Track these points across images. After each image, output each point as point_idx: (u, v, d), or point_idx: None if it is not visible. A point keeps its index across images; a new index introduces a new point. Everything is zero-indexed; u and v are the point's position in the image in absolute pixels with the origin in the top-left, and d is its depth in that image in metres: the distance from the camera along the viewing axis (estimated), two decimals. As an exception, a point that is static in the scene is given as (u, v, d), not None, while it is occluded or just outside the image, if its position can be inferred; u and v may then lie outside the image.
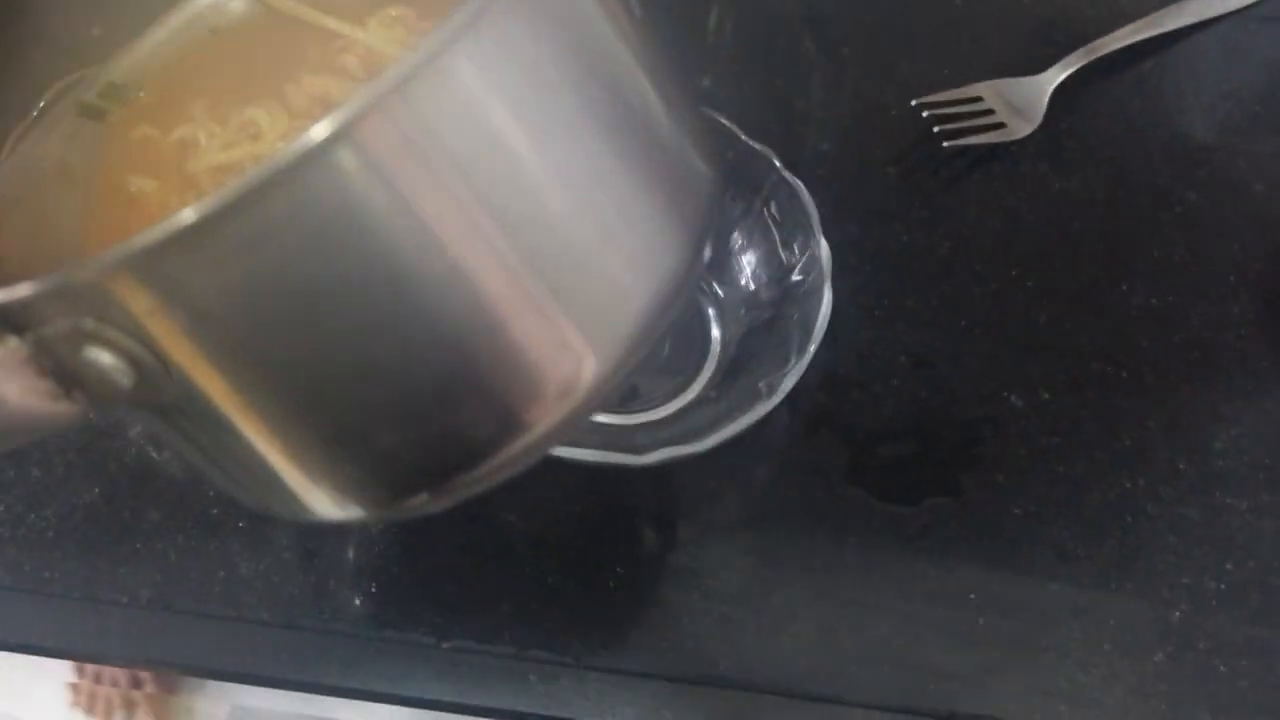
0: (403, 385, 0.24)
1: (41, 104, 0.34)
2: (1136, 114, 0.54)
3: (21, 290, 0.21)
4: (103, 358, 0.22)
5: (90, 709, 0.56)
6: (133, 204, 0.32)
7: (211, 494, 0.43)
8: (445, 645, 0.40)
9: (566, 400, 0.24)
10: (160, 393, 0.23)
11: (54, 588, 0.41)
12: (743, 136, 0.43)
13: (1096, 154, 0.53)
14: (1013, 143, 0.52)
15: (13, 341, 0.22)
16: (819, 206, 0.43)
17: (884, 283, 0.48)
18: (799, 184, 0.42)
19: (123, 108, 0.34)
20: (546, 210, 0.23)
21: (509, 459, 0.25)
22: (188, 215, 0.19)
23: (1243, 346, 0.48)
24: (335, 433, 0.25)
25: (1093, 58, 0.54)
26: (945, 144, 0.51)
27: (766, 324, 0.43)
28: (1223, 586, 0.42)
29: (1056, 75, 0.54)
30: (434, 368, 0.24)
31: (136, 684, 0.59)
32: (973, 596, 0.42)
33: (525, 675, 0.40)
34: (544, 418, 0.24)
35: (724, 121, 0.44)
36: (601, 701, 0.39)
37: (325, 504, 0.26)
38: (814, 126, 0.53)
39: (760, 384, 0.40)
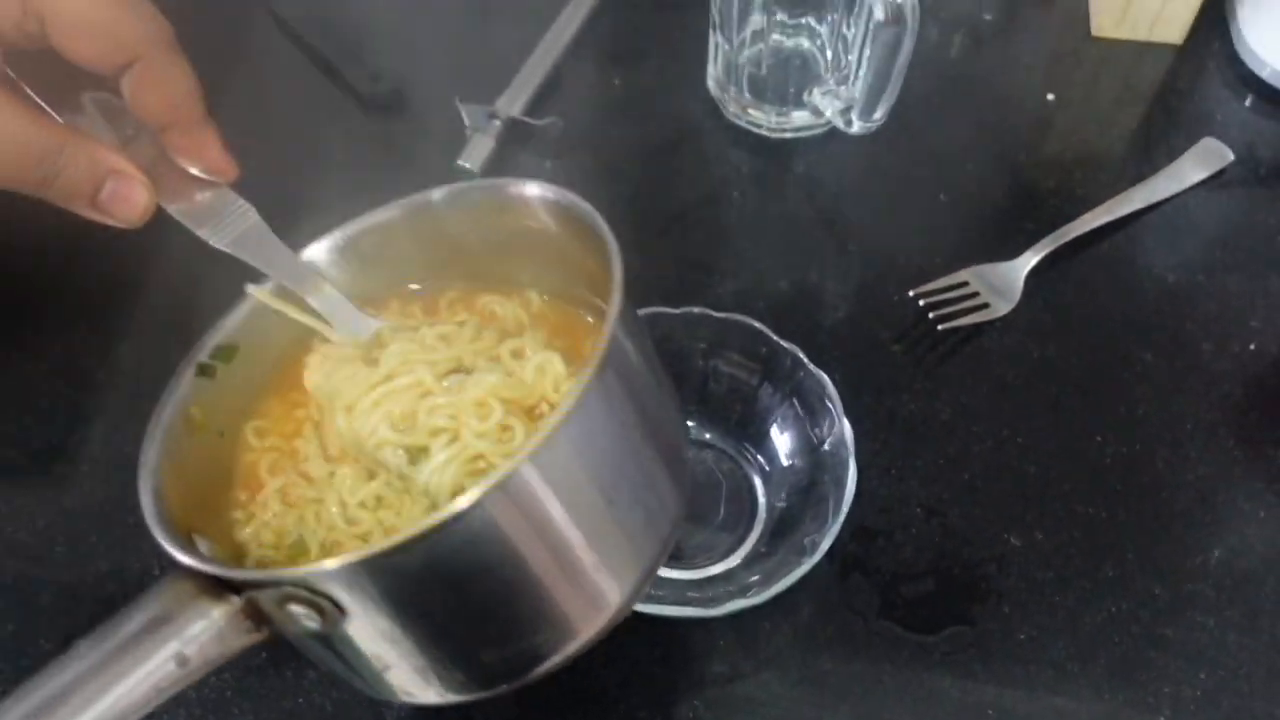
0: (504, 624, 0.36)
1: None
2: (1099, 288, 0.64)
3: (252, 575, 0.33)
4: (298, 610, 0.32)
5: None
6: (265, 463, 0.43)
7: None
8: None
9: (602, 617, 0.37)
10: (333, 629, 0.33)
11: (232, 739, 0.51)
12: (774, 336, 0.54)
13: (1066, 325, 0.62)
14: (996, 319, 0.62)
15: (235, 600, 0.33)
16: (839, 385, 0.53)
17: (896, 446, 0.58)
18: (822, 374, 0.52)
19: (227, 365, 0.43)
20: (605, 514, 0.36)
21: (566, 658, 0.37)
22: (378, 546, 0.30)
23: (1201, 485, 0.57)
24: (451, 655, 0.36)
25: (1059, 243, 0.64)
26: (940, 327, 0.61)
27: (804, 489, 0.53)
28: (1199, 693, 0.50)
29: (1029, 260, 0.64)
30: (526, 612, 0.36)
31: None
32: (991, 712, 0.50)
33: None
34: (590, 630, 0.37)
35: (757, 325, 0.54)
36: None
37: (432, 694, 0.37)
38: (829, 315, 0.63)
39: (805, 540, 0.49)
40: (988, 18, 0.78)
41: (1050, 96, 0.73)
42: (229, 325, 0.43)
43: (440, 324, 0.43)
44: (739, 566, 0.53)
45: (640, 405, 0.38)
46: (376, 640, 0.34)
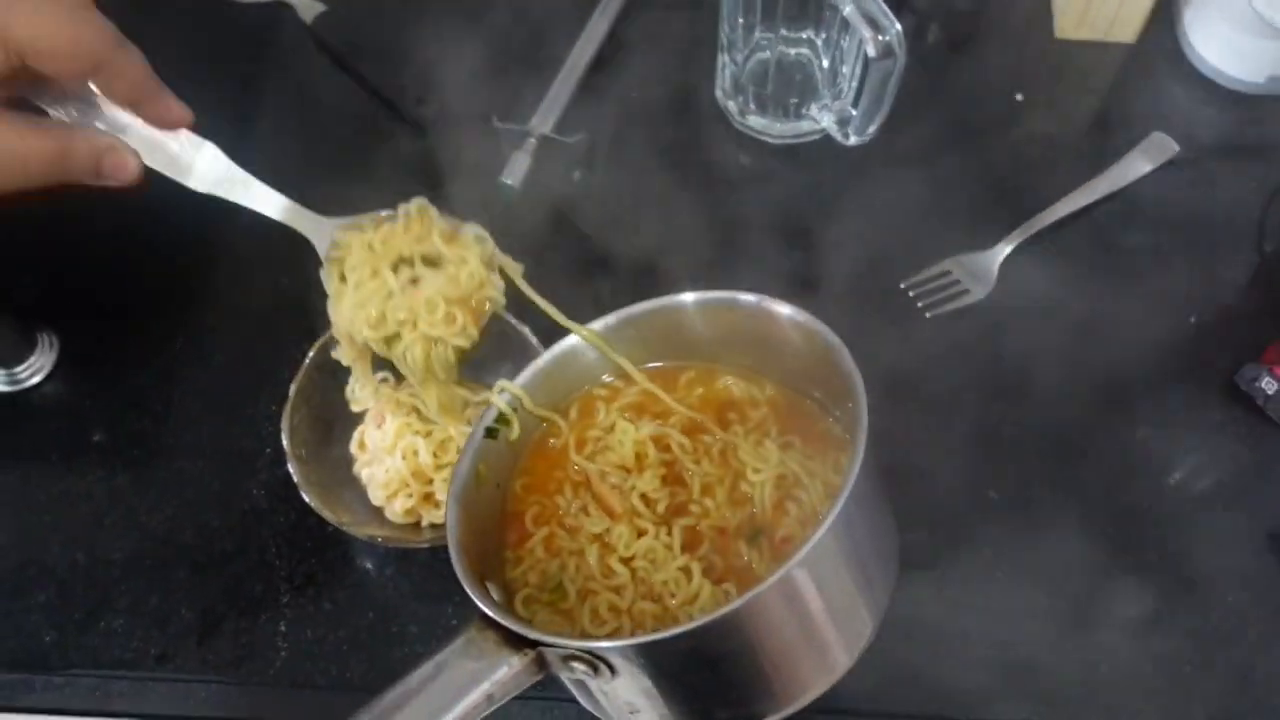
0: (748, 690, 0.44)
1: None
2: (1063, 271, 0.74)
3: (549, 638, 0.41)
4: (578, 665, 0.42)
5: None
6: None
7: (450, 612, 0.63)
8: None
9: (830, 677, 0.45)
10: (602, 683, 0.43)
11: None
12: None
13: (1036, 306, 0.72)
14: (975, 304, 0.72)
15: (530, 652, 0.42)
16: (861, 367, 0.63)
17: (892, 417, 0.67)
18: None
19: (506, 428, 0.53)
20: (847, 598, 0.45)
21: (794, 708, 0.45)
22: (656, 635, 0.40)
23: (1147, 443, 0.67)
24: (694, 712, 0.45)
25: (1029, 233, 0.74)
26: (928, 314, 0.71)
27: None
28: (1143, 620, 0.62)
29: (1003, 249, 0.74)
30: (769, 682, 0.44)
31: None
32: (971, 638, 0.61)
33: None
34: (819, 690, 0.45)
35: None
36: None
37: None
38: (829, 303, 0.72)
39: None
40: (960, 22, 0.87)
41: (1019, 97, 0.82)
42: (516, 387, 0.54)
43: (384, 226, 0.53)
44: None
45: (873, 500, 0.46)
46: (634, 694, 0.44)
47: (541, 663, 0.43)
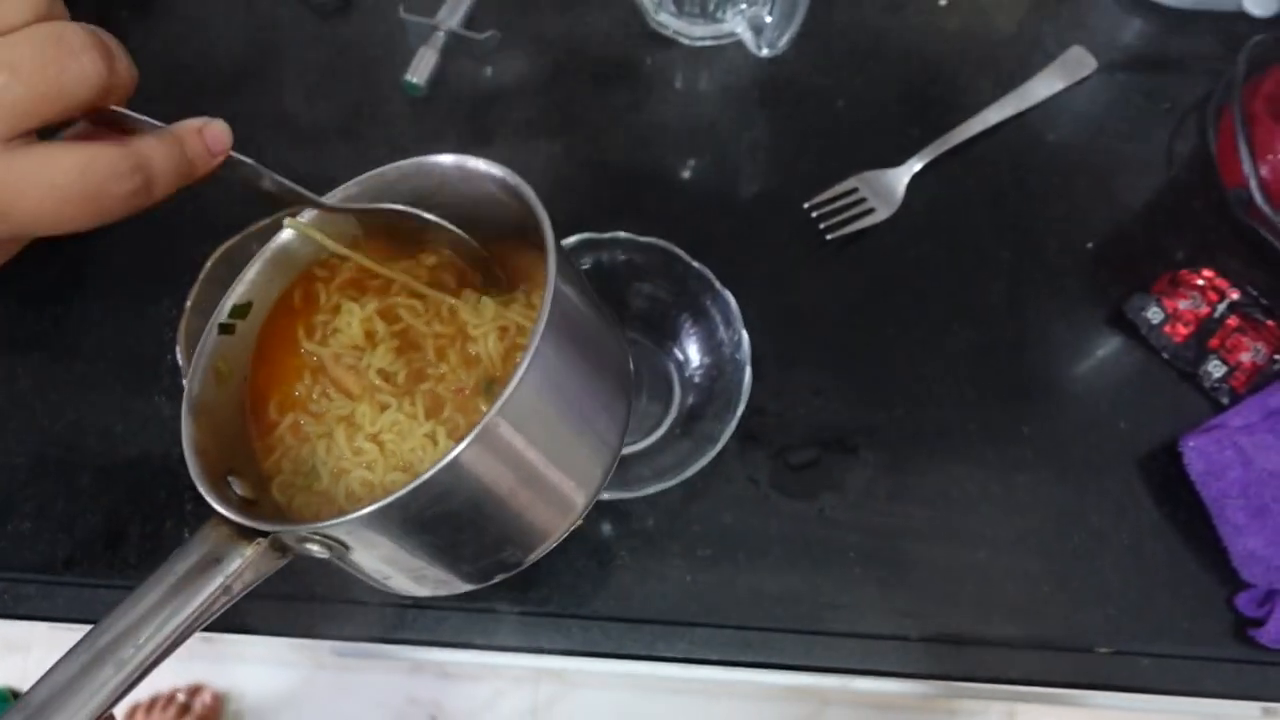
0: (486, 542, 0.46)
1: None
2: (969, 191, 0.74)
3: (271, 527, 0.43)
4: (312, 546, 0.44)
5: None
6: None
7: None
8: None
9: (569, 518, 0.48)
10: (341, 557, 0.45)
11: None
12: (687, 258, 0.64)
13: (938, 227, 0.73)
14: (879, 224, 0.73)
15: (263, 540, 0.44)
16: (740, 287, 0.63)
17: (790, 338, 0.69)
18: (728, 294, 0.63)
19: (243, 320, 0.53)
20: (568, 440, 0.46)
21: (536, 558, 0.48)
22: (368, 507, 0.40)
23: (1034, 367, 0.70)
24: (441, 569, 0.47)
25: (939, 151, 0.74)
26: (828, 237, 0.71)
27: (710, 384, 0.65)
28: (1013, 536, 0.65)
29: (912, 166, 0.74)
30: (504, 531, 0.46)
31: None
32: (852, 555, 0.64)
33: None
34: (557, 533, 0.48)
35: (673, 249, 0.64)
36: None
37: (425, 592, 0.49)
38: (736, 224, 0.73)
39: (711, 430, 0.62)
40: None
41: (942, 2, 0.81)
42: (245, 283, 0.53)
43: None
44: (657, 443, 0.65)
45: (585, 338, 0.47)
46: (376, 562, 0.46)
47: (280, 547, 0.44)
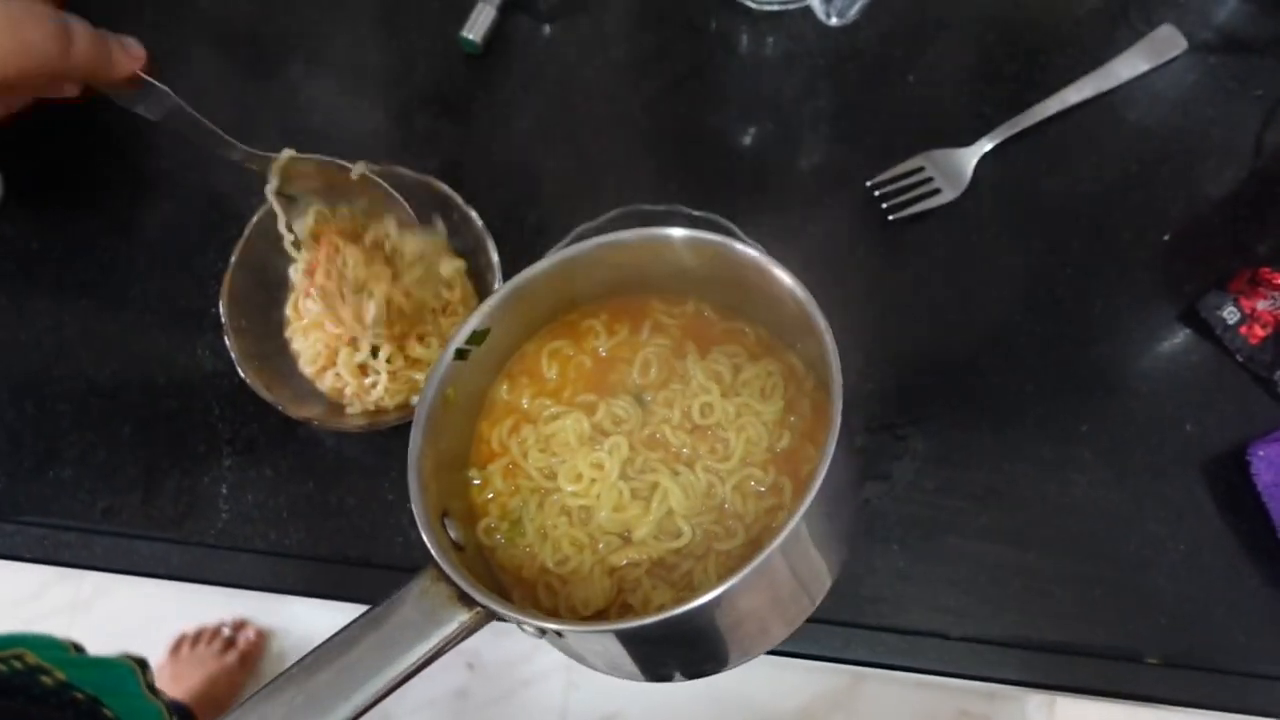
0: (689, 658, 0.46)
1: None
2: (1040, 176, 0.71)
3: (496, 609, 0.42)
4: (528, 629, 0.42)
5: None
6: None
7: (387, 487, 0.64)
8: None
9: (793, 627, 0.48)
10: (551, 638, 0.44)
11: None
12: (743, 237, 0.62)
13: (1006, 213, 0.70)
14: (943, 205, 0.69)
15: (481, 611, 0.42)
16: (798, 268, 0.61)
17: (845, 322, 0.66)
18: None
19: (479, 347, 0.50)
20: (816, 558, 0.45)
21: (761, 653, 0.48)
22: (632, 624, 0.39)
23: (1099, 362, 0.67)
24: (640, 672, 0.46)
25: (1011, 132, 0.70)
26: (890, 216, 0.69)
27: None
28: (1066, 538, 0.63)
29: (982, 146, 0.70)
30: (709, 652, 0.46)
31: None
32: (895, 547, 0.63)
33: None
34: (753, 656, 0.48)
35: (727, 223, 0.62)
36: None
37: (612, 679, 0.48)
38: (796, 200, 0.71)
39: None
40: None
41: (1025, -27, 0.77)
42: (485, 310, 0.50)
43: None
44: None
45: (844, 465, 0.44)
46: (582, 650, 0.45)
47: (493, 613, 0.43)
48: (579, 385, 0.53)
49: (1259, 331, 0.65)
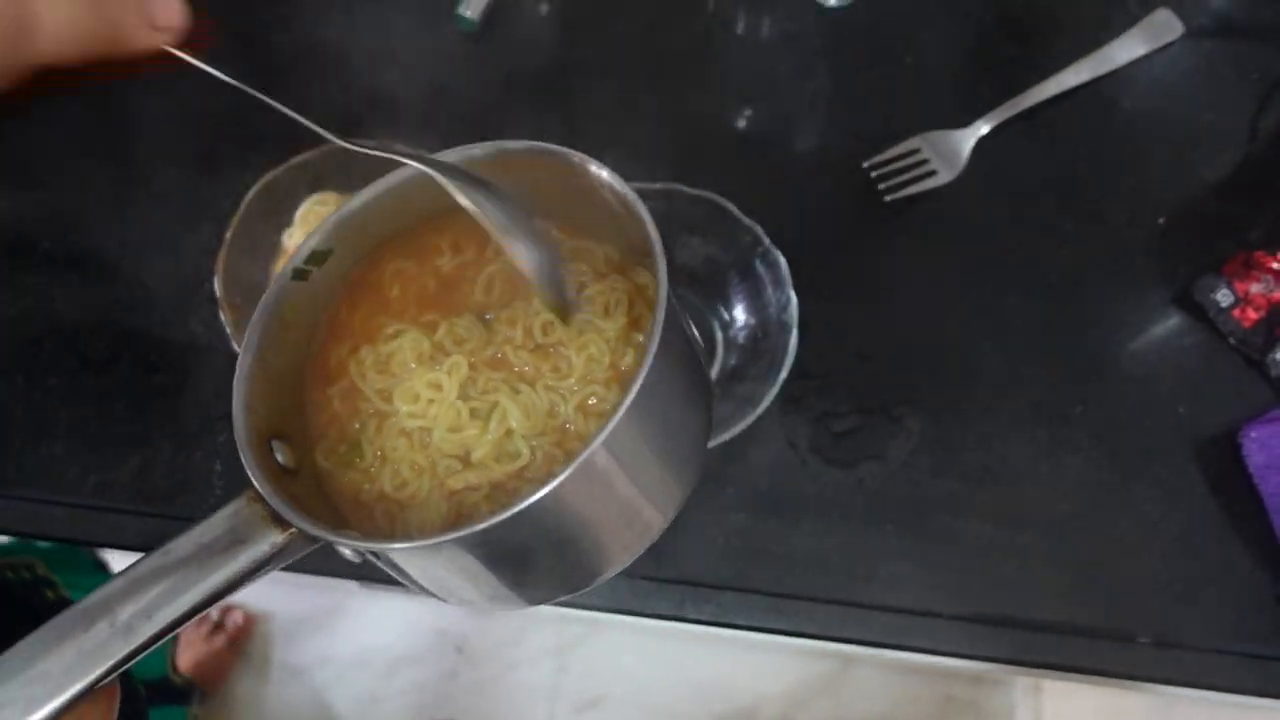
0: (555, 567, 0.43)
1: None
2: (1037, 158, 0.71)
3: (306, 528, 0.39)
4: (346, 550, 0.41)
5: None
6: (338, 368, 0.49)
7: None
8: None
9: (646, 542, 0.44)
10: (390, 564, 0.41)
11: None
12: (738, 214, 0.62)
13: (1001, 194, 0.70)
14: (940, 187, 0.69)
15: (294, 531, 0.40)
16: (791, 247, 0.61)
17: (838, 301, 0.67)
18: (777, 253, 0.61)
19: (320, 268, 0.47)
20: (655, 467, 0.43)
21: (613, 573, 0.44)
22: (446, 536, 0.37)
23: (1090, 344, 0.67)
24: (502, 592, 0.44)
25: (1008, 114, 0.71)
26: (887, 198, 0.69)
27: (754, 345, 0.63)
28: (1059, 518, 0.63)
29: (979, 128, 0.70)
30: (577, 556, 0.43)
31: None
32: (889, 527, 0.63)
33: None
34: (634, 554, 0.44)
35: (724, 203, 0.62)
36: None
37: (475, 608, 0.46)
38: (791, 179, 0.70)
39: (753, 391, 0.60)
40: None
41: (1023, -46, 0.77)
42: (326, 229, 0.47)
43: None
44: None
45: (680, 371, 0.44)
46: (426, 579, 0.43)
47: (314, 539, 0.41)
48: (422, 305, 0.50)
49: (1252, 314, 0.65)
